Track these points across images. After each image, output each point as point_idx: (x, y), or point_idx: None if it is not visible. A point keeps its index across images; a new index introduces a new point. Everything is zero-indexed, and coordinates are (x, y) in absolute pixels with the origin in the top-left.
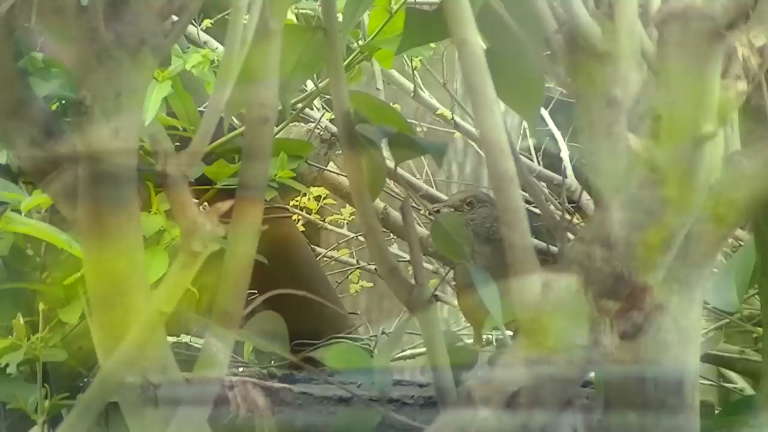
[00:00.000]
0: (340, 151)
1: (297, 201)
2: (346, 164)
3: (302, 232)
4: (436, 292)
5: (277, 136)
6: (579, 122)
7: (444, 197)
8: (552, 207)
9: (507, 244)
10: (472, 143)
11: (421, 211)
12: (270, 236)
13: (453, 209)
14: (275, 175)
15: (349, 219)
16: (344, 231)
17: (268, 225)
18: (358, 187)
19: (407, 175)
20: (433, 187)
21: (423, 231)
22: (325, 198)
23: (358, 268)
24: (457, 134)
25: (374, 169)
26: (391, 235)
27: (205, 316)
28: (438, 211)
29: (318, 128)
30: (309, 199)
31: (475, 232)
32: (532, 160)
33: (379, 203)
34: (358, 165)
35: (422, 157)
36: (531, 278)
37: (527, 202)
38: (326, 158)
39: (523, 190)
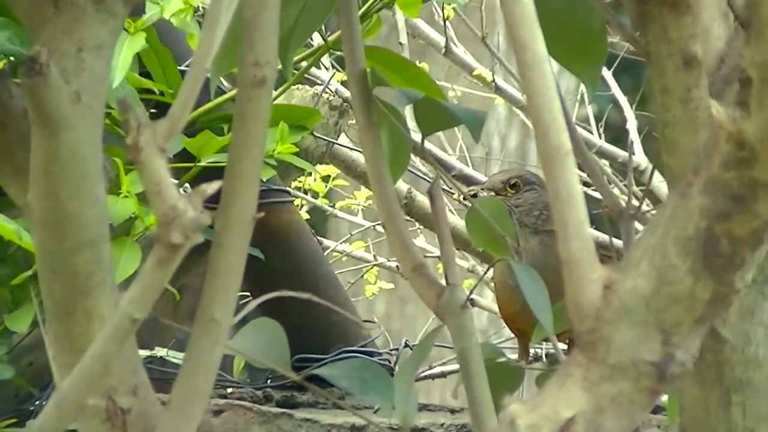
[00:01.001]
0: (353, 121)
1: (300, 182)
2: (361, 137)
3: (306, 220)
4: (472, 296)
5: (276, 102)
6: (650, 86)
7: (482, 178)
8: (616, 191)
9: (559, 236)
10: (518, 111)
11: (454, 196)
12: (267, 226)
13: (493, 193)
14: (273, 150)
15: (365, 205)
16: (358, 219)
17: (265, 212)
18: (375, 165)
19: (437, 151)
20: (468, 166)
21: (456, 220)
22: (334, 179)
23: (375, 265)
24: (499, 100)
25: (396, 142)
26: (417, 224)
27: (186, 324)
28: (475, 195)
29: (327, 92)
30: (315, 179)
31: (521, 222)
32: (591, 133)
33: (402, 185)
34: (376, 137)
35: (456, 129)
36: (589, 279)
37: (585, 184)
38: (337, 129)
39: (580, 170)
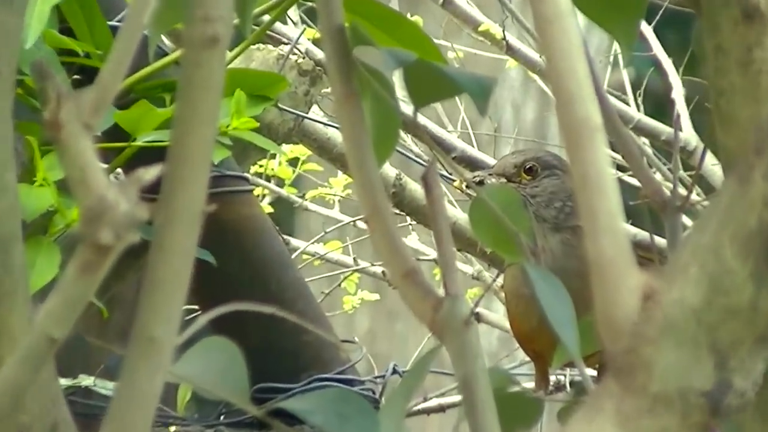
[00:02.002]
0: (328, 89)
1: (262, 167)
2: (337, 109)
3: (269, 214)
4: (478, 309)
5: (231, 66)
6: (700, 45)
7: (490, 161)
8: (658, 176)
9: (587, 233)
10: (535, 77)
11: (455, 183)
12: (220, 222)
13: (505, 179)
14: (228, 126)
15: (343, 195)
16: (334, 213)
17: (218, 204)
18: (356, 144)
19: (433, 127)
20: (473, 145)
21: (457, 214)
22: (305, 162)
23: (355, 270)
24: (511, 63)
25: (382, 116)
26: (408, 219)
27: (118, 345)
28: (481, 183)
29: (295, 53)
30: (280, 163)
31: (539, 215)
32: (627, 104)
33: (390, 170)
34: (357, 110)
35: (457, 99)
36: (625, 286)
37: (619, 168)
38: (307, 100)
39: (613, 150)
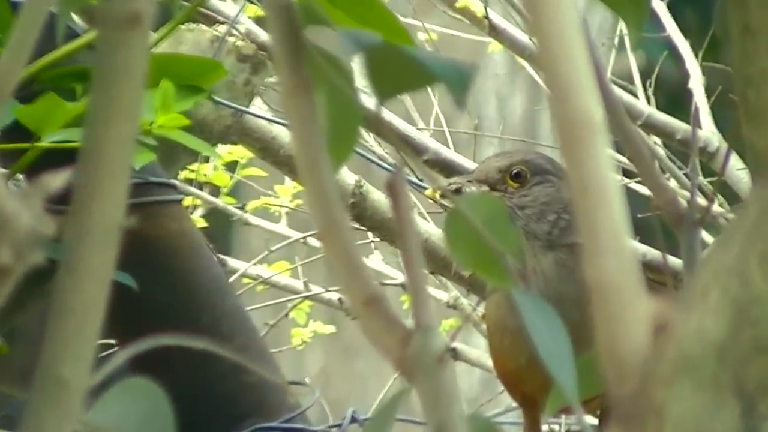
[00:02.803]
0: (273, 78)
1: (193, 172)
2: (285, 102)
3: (202, 229)
4: (455, 344)
5: (156, 50)
6: (724, 25)
7: (470, 164)
8: (673, 183)
9: (587, 252)
10: (523, 63)
11: (427, 192)
12: (143, 239)
13: (487, 187)
14: (152, 124)
15: (291, 205)
16: (281, 228)
17: (140, 217)
18: (307, 144)
19: (401, 124)
20: (449, 146)
21: (430, 229)
22: (245, 167)
23: (306, 297)
24: (496, 46)
25: (339, 110)
26: (370, 235)
27: (19, 387)
28: (459, 191)
29: (233, 35)
30: (216, 168)
31: (528, 230)
32: (635, 96)
33: (349, 176)
34: (308, 103)
35: (430, 91)
36: (633, 317)
37: (625, 174)
38: (248, 91)
39: (618, 152)
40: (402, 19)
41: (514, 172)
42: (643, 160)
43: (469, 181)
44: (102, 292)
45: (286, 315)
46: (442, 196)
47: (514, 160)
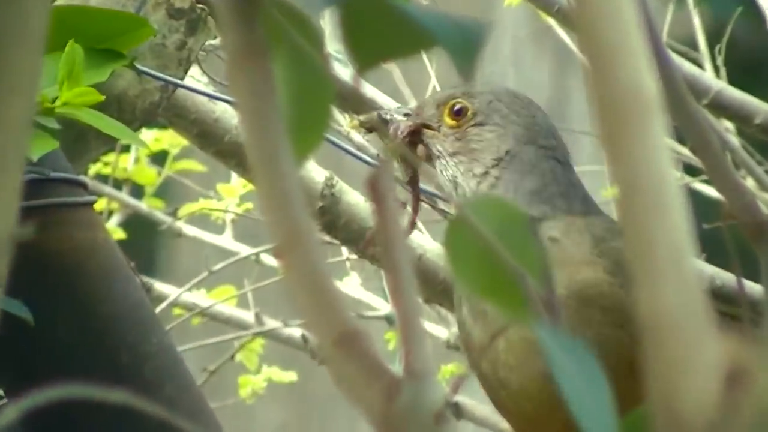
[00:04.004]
0: (215, 40)
1: (108, 165)
2: (232, 73)
3: (121, 242)
4: (457, 396)
5: (59, 2)
6: None
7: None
8: (750, 182)
9: (637, 274)
10: (550, 21)
11: (347, 123)
12: (42, 254)
13: (419, 122)
14: (55, 101)
15: (239, 210)
16: (225, 240)
17: (38, 226)
18: (261, 129)
19: (388, 102)
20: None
21: (425, 242)
22: (177, 158)
23: (258, 334)
24: None
25: (304, 84)
26: (345, 250)
27: None
28: (385, 122)
29: None
30: (138, 159)
31: (457, 185)
32: (700, 66)
33: (317, 171)
34: (264, 75)
35: (425, 58)
36: (698, 363)
37: (688, 170)
38: (183, 58)
39: (679, 141)
40: None
41: (456, 108)
42: (710, 152)
43: (400, 114)
44: None
45: (232, 357)
46: (365, 128)
47: (456, 92)
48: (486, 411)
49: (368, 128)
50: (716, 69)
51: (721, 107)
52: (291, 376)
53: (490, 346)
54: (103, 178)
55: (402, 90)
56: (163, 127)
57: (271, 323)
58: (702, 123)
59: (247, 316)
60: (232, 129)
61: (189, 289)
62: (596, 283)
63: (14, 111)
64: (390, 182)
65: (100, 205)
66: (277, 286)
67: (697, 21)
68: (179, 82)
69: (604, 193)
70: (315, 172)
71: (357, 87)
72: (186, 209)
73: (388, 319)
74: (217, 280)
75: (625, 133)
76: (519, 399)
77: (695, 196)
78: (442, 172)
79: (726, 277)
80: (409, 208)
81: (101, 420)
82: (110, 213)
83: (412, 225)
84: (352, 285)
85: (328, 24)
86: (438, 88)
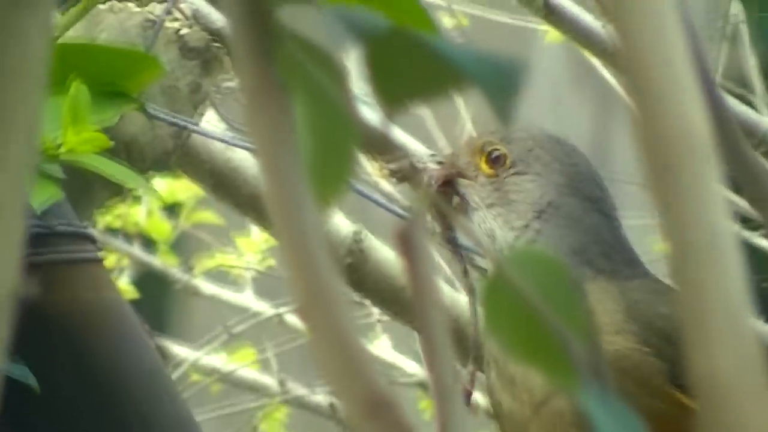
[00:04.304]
0: (232, 81)
1: (119, 217)
2: (250, 116)
3: (133, 301)
4: None
5: (64, 38)
6: None
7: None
8: None
9: (689, 338)
10: (592, 60)
11: (374, 169)
12: (46, 316)
13: (453, 170)
14: (59, 146)
15: (260, 267)
16: (245, 298)
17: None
18: (281, 176)
19: (419, 147)
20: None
21: (463, 300)
22: (193, 209)
23: (282, 401)
24: (552, 35)
25: (326, 128)
26: (375, 310)
27: None
28: (413, 170)
29: (175, 17)
30: (150, 211)
31: (494, 240)
32: (755, 108)
33: (343, 223)
34: (283, 117)
35: (459, 101)
36: (753, 421)
37: (745, 222)
38: (197, 100)
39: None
40: None
41: (493, 155)
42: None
43: (433, 162)
44: None
45: (255, 427)
46: (395, 177)
47: (493, 138)
48: None
49: (398, 177)
50: None
51: None
52: None
53: (523, 416)
54: (112, 231)
55: (434, 135)
56: (177, 176)
57: (296, 389)
58: (759, 170)
59: (270, 381)
60: (251, 178)
61: (207, 352)
62: (628, 354)
63: (14, 157)
64: (422, 236)
65: (110, 260)
66: (301, 349)
67: (752, 61)
68: (194, 126)
69: (654, 248)
70: (342, 225)
71: (385, 131)
72: (202, 265)
73: (423, 386)
74: (237, 342)
75: (676, 182)
76: None
77: (753, 251)
78: (479, 224)
79: None
80: (443, 264)
81: None
82: (120, 269)
83: (467, 282)
84: (383, 348)
85: (352, 62)
86: (473, 133)
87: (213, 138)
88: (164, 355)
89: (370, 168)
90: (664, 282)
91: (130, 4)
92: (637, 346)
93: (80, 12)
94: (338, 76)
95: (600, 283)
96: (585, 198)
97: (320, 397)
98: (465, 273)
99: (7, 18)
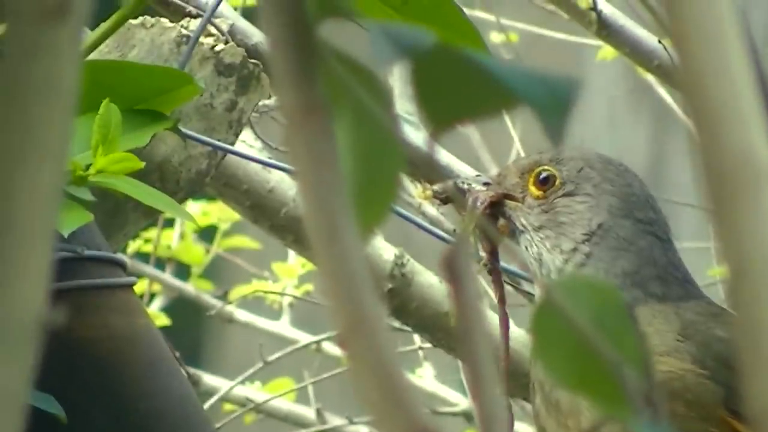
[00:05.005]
0: (269, 100)
1: (149, 242)
2: (290, 137)
3: (164, 329)
4: None
5: (94, 55)
6: None
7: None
8: None
9: (745, 369)
10: (649, 78)
11: (416, 192)
12: (75, 343)
13: (501, 191)
14: (88, 168)
15: (297, 293)
16: (282, 327)
17: (70, 311)
18: (322, 200)
19: (465, 169)
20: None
21: (510, 329)
22: (227, 233)
23: None
24: (607, 52)
25: (370, 149)
26: (418, 338)
27: None
28: (448, 199)
29: (210, 33)
30: (184, 235)
31: (542, 263)
32: None
33: (386, 248)
34: (325, 137)
35: (508, 120)
36: None
37: None
38: (233, 120)
39: None
40: (468, 11)
41: (542, 176)
42: None
43: (479, 183)
44: (12, 425)
45: None
46: (439, 199)
47: (542, 158)
48: None
49: (443, 199)
50: None
51: None
52: None
53: None
54: (143, 256)
55: (481, 156)
56: (211, 198)
57: (335, 420)
58: None
59: (308, 412)
60: (289, 201)
61: (241, 382)
62: (680, 375)
63: (42, 180)
64: (468, 261)
65: (141, 287)
66: (340, 378)
67: None
68: (229, 147)
69: (710, 273)
70: (383, 249)
71: (430, 152)
72: (237, 292)
73: (467, 416)
74: (273, 372)
75: (735, 206)
76: None
77: None
78: (526, 248)
79: None
80: (489, 291)
81: None
82: (152, 296)
83: (504, 311)
84: (425, 377)
85: (397, 81)
86: (522, 154)
87: (249, 159)
88: (196, 384)
89: (413, 190)
90: (719, 305)
91: (163, 20)
92: (691, 367)
93: (111, 27)
94: (382, 94)
95: (653, 306)
96: (638, 220)
97: (359, 428)
98: (502, 299)
99: (34, 32)
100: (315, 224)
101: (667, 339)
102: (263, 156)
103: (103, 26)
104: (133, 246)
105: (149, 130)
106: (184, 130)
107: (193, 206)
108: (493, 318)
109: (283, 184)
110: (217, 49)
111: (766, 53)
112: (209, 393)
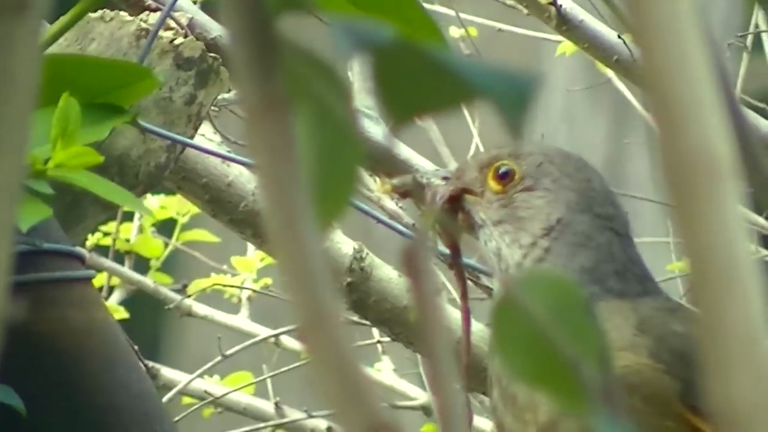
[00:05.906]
0: (229, 94)
1: (107, 235)
2: (249, 131)
3: (123, 322)
4: None
5: (53, 49)
6: None
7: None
8: None
9: (706, 363)
10: (608, 73)
11: (377, 186)
12: (34, 337)
13: (460, 186)
14: (47, 163)
15: (256, 287)
16: (240, 320)
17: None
18: (281, 193)
19: (424, 163)
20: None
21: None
22: (186, 227)
23: (279, 425)
24: (566, 46)
25: (329, 143)
26: (376, 332)
27: None
28: (407, 194)
29: (169, 27)
30: (143, 229)
31: (500, 258)
32: None
33: (345, 242)
34: (284, 132)
35: (467, 114)
36: None
37: (766, 243)
38: (192, 113)
39: (756, 211)
40: (428, 6)
41: (501, 170)
42: None
43: (438, 178)
44: None
45: None
46: (398, 193)
47: (502, 153)
48: None
49: (402, 193)
50: None
51: None
52: None
53: None
54: (102, 249)
55: (441, 150)
56: (170, 192)
57: (293, 414)
58: None
59: (266, 405)
60: (248, 194)
61: (200, 376)
62: (637, 369)
63: (2, 174)
64: (427, 255)
65: (99, 280)
66: (299, 372)
67: None
68: (189, 141)
69: (669, 267)
70: (342, 243)
71: (390, 146)
72: (196, 285)
73: (426, 410)
74: (232, 366)
75: (694, 200)
76: None
77: None
78: (485, 242)
79: None
80: (448, 285)
81: None
82: (111, 289)
83: (465, 307)
84: (384, 371)
85: (356, 75)
86: (481, 149)
87: (208, 152)
88: (155, 378)
89: (372, 184)
90: (676, 301)
91: (123, 13)
92: (648, 361)
93: (70, 21)
94: (342, 88)
95: (610, 302)
96: (597, 216)
97: (318, 422)
98: (464, 295)
99: (2, 27)
100: (274, 218)
101: (624, 334)
102: (222, 150)
103: (63, 20)
104: (92, 239)
105: (108, 124)
106: (143, 123)
107: (152, 200)
108: (453, 312)
109: (242, 178)
110: (176, 42)
111: (725, 49)
112: (168, 386)
